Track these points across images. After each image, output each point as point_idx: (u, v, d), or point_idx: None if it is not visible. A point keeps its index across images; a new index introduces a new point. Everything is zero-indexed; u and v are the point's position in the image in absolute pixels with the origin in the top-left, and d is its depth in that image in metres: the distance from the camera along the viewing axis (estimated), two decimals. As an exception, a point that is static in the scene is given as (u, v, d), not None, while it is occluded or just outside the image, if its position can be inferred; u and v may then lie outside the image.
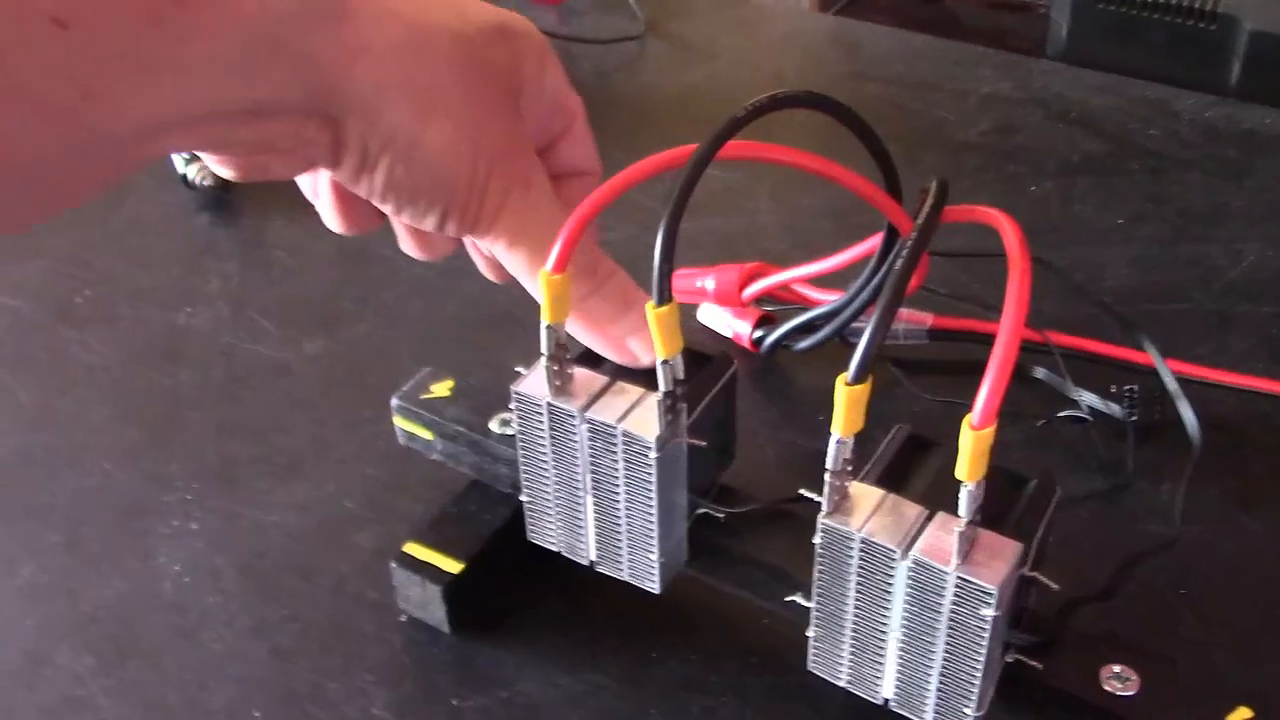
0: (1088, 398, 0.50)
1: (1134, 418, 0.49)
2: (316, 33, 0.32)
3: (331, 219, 0.40)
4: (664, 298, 0.35)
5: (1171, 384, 0.49)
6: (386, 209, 0.37)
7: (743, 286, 0.53)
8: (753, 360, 0.55)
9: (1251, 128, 0.67)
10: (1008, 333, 0.32)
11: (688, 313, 0.56)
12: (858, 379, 0.33)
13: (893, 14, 0.83)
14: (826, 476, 0.35)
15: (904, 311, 0.53)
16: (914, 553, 0.34)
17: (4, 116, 0.26)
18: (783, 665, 0.42)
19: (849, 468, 0.35)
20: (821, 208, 0.62)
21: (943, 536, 0.34)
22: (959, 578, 0.33)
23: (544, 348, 0.38)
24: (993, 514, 0.35)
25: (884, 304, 0.33)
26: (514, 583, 0.46)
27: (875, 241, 0.46)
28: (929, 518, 0.35)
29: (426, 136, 0.35)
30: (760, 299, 0.54)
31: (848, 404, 0.33)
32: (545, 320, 0.37)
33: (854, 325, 0.49)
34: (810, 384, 0.54)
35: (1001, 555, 0.34)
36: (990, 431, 0.32)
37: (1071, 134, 0.67)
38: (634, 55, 0.76)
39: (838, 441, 0.34)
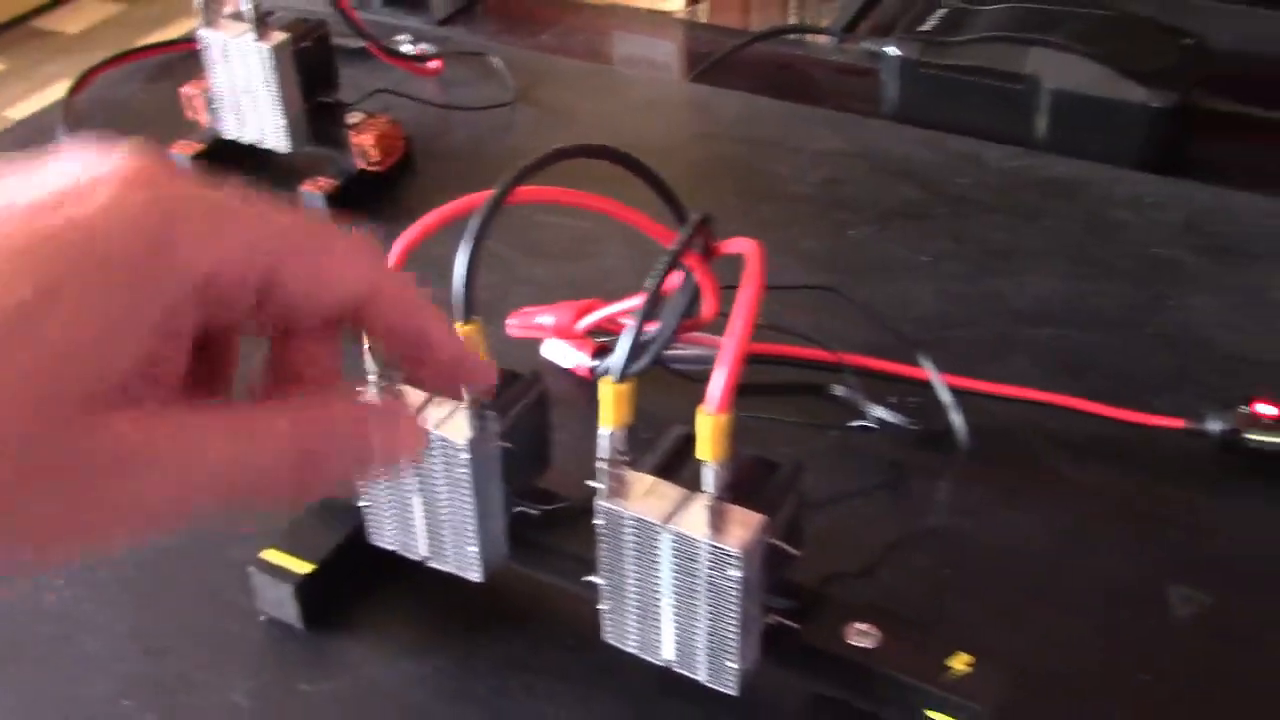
0: (879, 411, 0.57)
1: (916, 426, 0.56)
2: None
3: None
4: (468, 317, 0.42)
5: (945, 396, 0.56)
6: None
7: (576, 320, 0.60)
8: (594, 388, 0.61)
9: (1049, 175, 0.75)
10: (737, 334, 0.38)
11: (532, 348, 0.62)
12: (621, 379, 0.40)
13: (750, 79, 0.90)
14: (600, 465, 0.41)
15: (715, 338, 0.60)
16: (673, 525, 0.40)
17: None
18: (596, 645, 0.48)
19: (623, 458, 0.41)
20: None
21: (700, 511, 0.41)
22: (710, 545, 0.40)
23: (368, 366, 0.44)
24: (747, 493, 0.41)
25: (639, 316, 0.39)
26: (362, 581, 0.51)
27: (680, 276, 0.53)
28: (690, 498, 0.41)
29: None
30: (595, 332, 0.61)
31: (613, 400, 0.40)
32: (365, 344, 0.43)
33: (671, 352, 0.56)
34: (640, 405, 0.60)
35: (747, 525, 0.40)
36: (725, 417, 0.38)
37: (891, 183, 0.75)
38: (505, 121, 0.83)
39: (608, 434, 0.40)
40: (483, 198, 0.43)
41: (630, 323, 0.61)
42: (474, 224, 0.42)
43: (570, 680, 0.48)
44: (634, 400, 0.40)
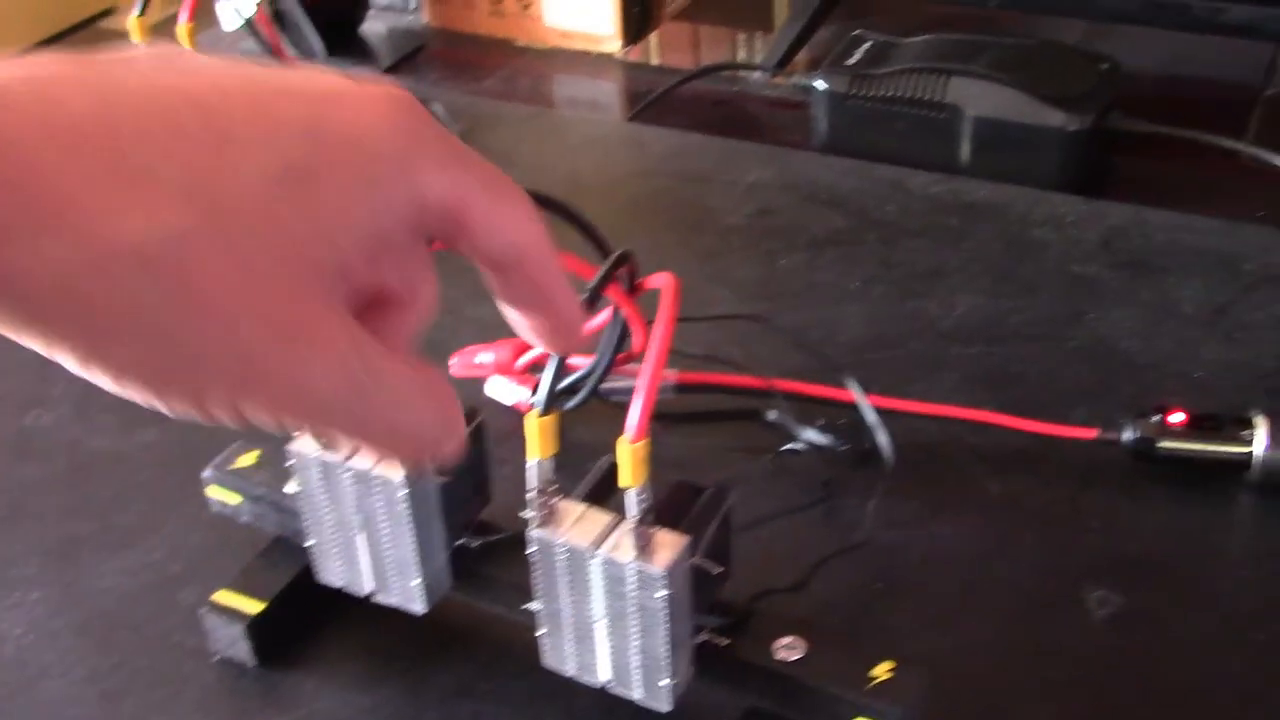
0: (809, 433, 0.59)
1: (845, 447, 0.58)
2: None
3: None
4: (396, 360, 0.44)
5: (870, 416, 0.58)
6: None
7: (516, 358, 0.62)
8: (535, 422, 0.63)
9: (972, 199, 0.77)
10: (650, 365, 0.40)
11: (476, 387, 0.64)
12: (545, 412, 0.42)
13: (687, 116, 0.93)
14: (530, 495, 0.43)
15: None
16: (601, 551, 0.42)
17: None
18: (539, 670, 0.50)
19: (553, 487, 0.43)
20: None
21: (626, 536, 0.42)
22: (635, 568, 0.42)
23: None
24: (673, 517, 0.43)
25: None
26: (312, 619, 0.53)
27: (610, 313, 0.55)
28: (618, 524, 0.43)
29: None
30: (534, 367, 0.63)
31: (538, 433, 0.42)
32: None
33: (606, 385, 0.58)
34: (578, 438, 0.62)
35: (672, 547, 0.42)
36: (642, 444, 0.40)
37: (820, 212, 0.77)
38: (447, 165, 0.85)
39: (536, 464, 0.42)
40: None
41: (571, 360, 0.64)
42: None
43: (515, 704, 0.50)
44: (557, 432, 0.42)
